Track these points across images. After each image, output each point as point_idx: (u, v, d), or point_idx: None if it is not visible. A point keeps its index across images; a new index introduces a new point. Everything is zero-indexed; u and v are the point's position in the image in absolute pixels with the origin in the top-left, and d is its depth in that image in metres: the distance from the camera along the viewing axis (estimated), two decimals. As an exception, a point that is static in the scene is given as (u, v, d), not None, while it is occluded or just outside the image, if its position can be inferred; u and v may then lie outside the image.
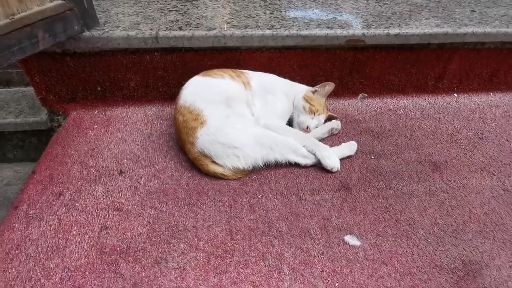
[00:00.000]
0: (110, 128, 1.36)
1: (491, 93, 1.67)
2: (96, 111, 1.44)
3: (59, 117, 1.46)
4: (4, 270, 0.87)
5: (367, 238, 0.99)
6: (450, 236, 1.01)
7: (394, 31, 1.37)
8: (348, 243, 0.97)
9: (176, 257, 0.92)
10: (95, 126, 1.37)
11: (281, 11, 1.52)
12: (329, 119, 1.40)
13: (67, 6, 1.03)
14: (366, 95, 1.60)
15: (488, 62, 1.57)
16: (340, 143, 1.31)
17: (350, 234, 1.00)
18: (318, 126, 1.33)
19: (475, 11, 1.62)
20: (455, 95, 1.65)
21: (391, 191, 1.15)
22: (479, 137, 1.41)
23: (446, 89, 1.63)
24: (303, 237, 0.99)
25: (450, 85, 1.63)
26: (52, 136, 1.40)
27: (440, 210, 1.09)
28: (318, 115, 1.30)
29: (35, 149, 1.58)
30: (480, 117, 1.53)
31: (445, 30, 1.42)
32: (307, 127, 1.28)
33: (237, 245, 0.96)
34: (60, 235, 0.95)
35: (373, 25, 1.41)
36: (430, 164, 1.26)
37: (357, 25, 1.41)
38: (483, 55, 1.55)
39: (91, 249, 0.92)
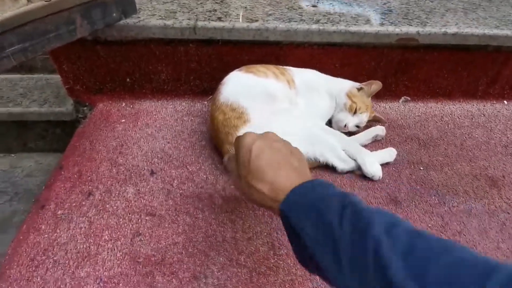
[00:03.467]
0: (138, 122, 1.28)
1: (545, 102, 1.54)
2: (124, 104, 1.36)
3: (85, 108, 1.38)
4: (28, 279, 0.80)
5: (424, 261, 0.89)
6: (515, 263, 0.91)
7: (452, 30, 1.25)
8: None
9: (216, 272, 0.84)
10: (123, 120, 1.29)
11: (324, 3, 1.41)
12: (374, 120, 1.29)
13: (105, -9, 0.94)
14: (409, 98, 1.48)
15: (545, 68, 1.44)
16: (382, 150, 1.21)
17: (404, 255, 0.91)
18: (359, 125, 1.23)
19: (533, 12, 1.48)
20: (505, 102, 1.53)
21: (445, 208, 1.05)
22: (536, 151, 1.29)
23: (496, 95, 1.51)
24: (352, 256, 0.90)
25: (501, 91, 1.50)
26: (77, 127, 1.32)
27: (502, 232, 0.98)
28: (361, 113, 1.19)
29: (58, 140, 1.51)
30: (534, 128, 1.40)
31: (505, 33, 1.29)
32: (345, 125, 1.19)
33: (281, 262, 0.87)
34: (91, 240, 0.88)
35: (427, 23, 1.28)
36: (486, 179, 1.15)
37: (409, 22, 1.29)
38: (542, 61, 1.42)
39: (124, 257, 0.85)
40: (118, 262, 0.84)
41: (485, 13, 1.44)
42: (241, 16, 1.24)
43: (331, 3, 1.42)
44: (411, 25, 1.26)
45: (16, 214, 1.35)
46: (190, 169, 1.11)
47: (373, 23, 1.27)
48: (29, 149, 1.56)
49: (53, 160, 1.54)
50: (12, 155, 1.56)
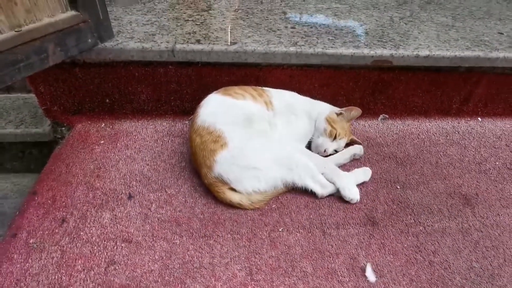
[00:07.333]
0: (118, 144, 1.27)
1: (516, 119, 1.60)
2: (103, 124, 1.35)
3: (63, 128, 1.36)
4: (-1, 311, 0.78)
5: (400, 284, 0.90)
6: (487, 282, 0.93)
7: (423, 52, 1.30)
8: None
9: (192, 301, 0.83)
10: (102, 141, 1.28)
11: (302, 26, 1.45)
12: (351, 143, 1.32)
13: (81, 18, 0.93)
14: (387, 116, 1.52)
15: (515, 87, 1.51)
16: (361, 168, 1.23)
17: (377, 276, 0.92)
18: (337, 150, 1.25)
19: (502, 34, 1.55)
20: (479, 119, 1.58)
21: (421, 227, 1.07)
22: (508, 168, 1.33)
23: (470, 112, 1.56)
24: (329, 279, 0.90)
25: (474, 109, 1.56)
26: (55, 148, 1.30)
27: (475, 251, 1.01)
28: (340, 139, 1.22)
29: (35, 161, 1.48)
30: (506, 144, 1.45)
31: (477, 54, 1.35)
32: (324, 151, 1.21)
33: (258, 287, 0.87)
34: (63, 271, 0.86)
35: (401, 45, 1.33)
36: (460, 197, 1.18)
37: (383, 45, 1.33)
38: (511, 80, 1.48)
39: (97, 288, 0.83)
40: (91, 293, 0.82)
41: (457, 35, 1.50)
42: (229, 37, 1.25)
43: (309, 25, 1.46)
44: (385, 48, 1.30)
45: (-10, 239, 1.30)
46: (169, 192, 1.10)
47: (349, 45, 1.30)
48: (6, 170, 1.52)
49: (30, 182, 1.50)
50: (-13, 176, 1.52)
